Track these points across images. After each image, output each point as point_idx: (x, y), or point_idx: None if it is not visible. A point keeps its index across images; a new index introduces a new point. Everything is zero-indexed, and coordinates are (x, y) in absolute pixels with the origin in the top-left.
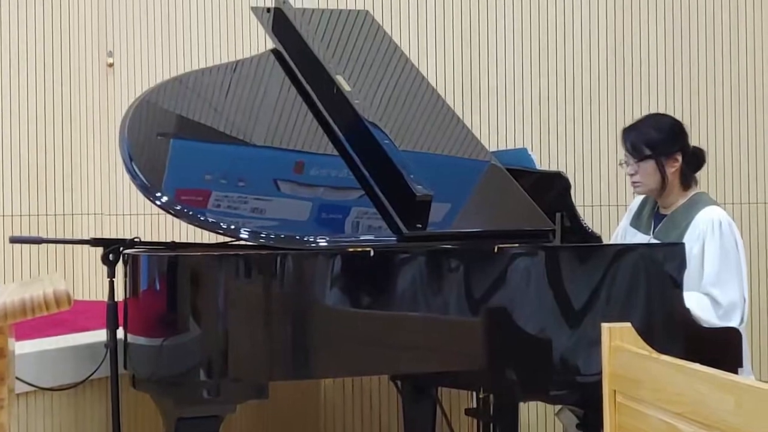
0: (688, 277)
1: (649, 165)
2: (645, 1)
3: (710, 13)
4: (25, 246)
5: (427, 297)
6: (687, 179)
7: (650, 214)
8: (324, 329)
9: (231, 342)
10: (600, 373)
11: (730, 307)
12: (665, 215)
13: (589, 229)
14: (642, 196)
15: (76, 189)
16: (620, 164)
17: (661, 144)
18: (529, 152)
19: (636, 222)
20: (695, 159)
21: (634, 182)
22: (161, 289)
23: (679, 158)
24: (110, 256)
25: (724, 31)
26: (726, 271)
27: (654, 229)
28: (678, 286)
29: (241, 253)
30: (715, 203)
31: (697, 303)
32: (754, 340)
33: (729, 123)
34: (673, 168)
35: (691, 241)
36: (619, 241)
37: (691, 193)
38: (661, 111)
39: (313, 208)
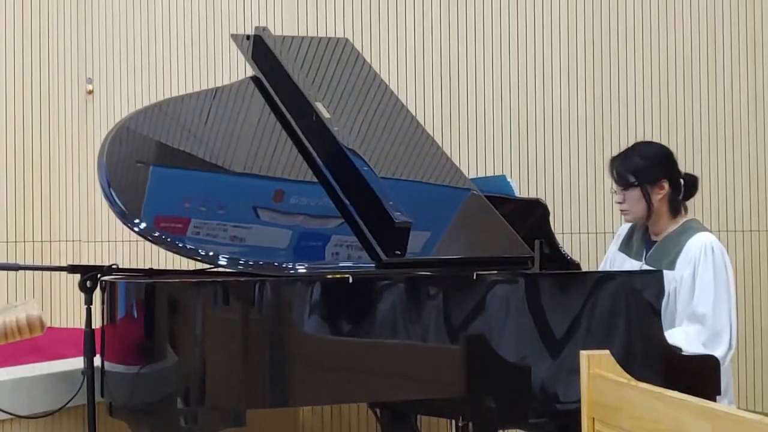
0: (680, 301)
1: (635, 193)
2: (628, 27)
3: (689, 39)
4: (3, 273)
5: (406, 324)
6: (676, 206)
7: (641, 240)
8: (302, 357)
9: (208, 370)
10: (579, 401)
11: (716, 334)
12: (656, 241)
13: (567, 256)
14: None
15: (54, 216)
16: (611, 192)
17: (646, 171)
18: (508, 179)
19: (626, 248)
20: (687, 186)
21: (622, 210)
22: (139, 316)
23: (666, 186)
24: (87, 282)
25: (697, 60)
26: (718, 297)
27: (645, 255)
28: (657, 313)
29: (219, 280)
30: (706, 230)
31: (685, 337)
32: (735, 367)
33: (707, 150)
34: (659, 195)
35: (682, 265)
36: (608, 268)
37: (682, 220)
38: (641, 139)
39: (293, 236)
